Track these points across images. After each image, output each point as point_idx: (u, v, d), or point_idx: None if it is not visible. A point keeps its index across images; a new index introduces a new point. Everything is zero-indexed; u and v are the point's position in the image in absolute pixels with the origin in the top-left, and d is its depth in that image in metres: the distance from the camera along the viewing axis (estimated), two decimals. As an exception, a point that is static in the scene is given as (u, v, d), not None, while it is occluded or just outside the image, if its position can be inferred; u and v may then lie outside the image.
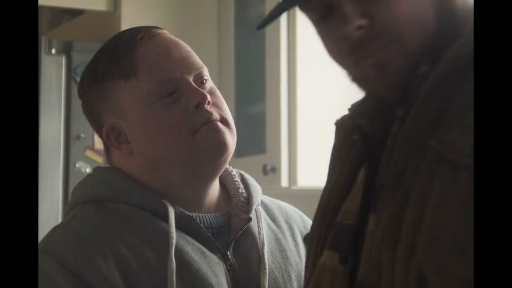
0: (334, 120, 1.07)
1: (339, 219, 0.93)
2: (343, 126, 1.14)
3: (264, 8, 3.42)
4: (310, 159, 3.27)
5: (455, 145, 0.79)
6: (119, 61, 1.47)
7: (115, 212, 1.43)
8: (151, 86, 1.44)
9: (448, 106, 0.82)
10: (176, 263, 1.38)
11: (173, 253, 1.38)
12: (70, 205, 1.50)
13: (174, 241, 1.40)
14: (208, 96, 1.45)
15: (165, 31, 1.52)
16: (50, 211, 3.34)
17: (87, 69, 1.52)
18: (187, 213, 1.44)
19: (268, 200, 1.61)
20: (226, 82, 3.59)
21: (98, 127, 1.51)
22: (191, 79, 1.46)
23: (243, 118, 3.51)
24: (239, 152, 3.53)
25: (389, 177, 0.88)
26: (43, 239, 1.45)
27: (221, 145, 1.44)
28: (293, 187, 3.25)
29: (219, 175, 1.50)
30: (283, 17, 3.31)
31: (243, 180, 1.56)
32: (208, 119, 1.44)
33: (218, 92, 1.51)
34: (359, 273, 0.88)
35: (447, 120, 0.82)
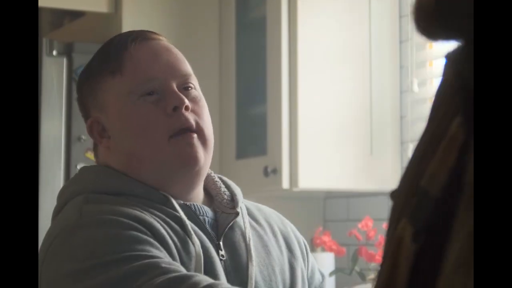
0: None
1: (423, 182, 0.74)
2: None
3: (265, 8, 3.42)
4: (311, 160, 3.27)
5: None
6: (109, 59, 1.53)
7: (125, 197, 1.47)
8: (133, 84, 1.49)
9: None
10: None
11: (192, 231, 1.43)
12: (63, 200, 1.52)
13: (188, 222, 1.45)
14: (187, 101, 1.49)
15: (161, 37, 1.57)
16: (51, 212, 3.34)
17: (85, 67, 1.61)
18: (182, 202, 1.50)
19: (246, 202, 1.66)
20: (227, 83, 3.59)
21: (86, 120, 1.59)
22: (174, 84, 1.51)
23: (244, 120, 3.51)
24: (239, 154, 3.53)
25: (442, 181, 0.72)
26: (64, 220, 1.45)
27: (193, 159, 1.49)
28: (294, 189, 3.25)
29: (194, 186, 1.54)
30: (284, 18, 3.31)
31: (223, 181, 1.62)
32: (184, 125, 1.48)
33: (202, 102, 1.55)
34: None
35: None
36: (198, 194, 1.55)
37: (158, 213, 1.45)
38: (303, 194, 3.47)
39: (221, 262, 1.47)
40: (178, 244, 1.42)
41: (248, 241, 1.51)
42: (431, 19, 0.75)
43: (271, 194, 3.32)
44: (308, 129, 3.27)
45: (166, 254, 1.37)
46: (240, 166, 3.41)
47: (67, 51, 3.51)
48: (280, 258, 1.56)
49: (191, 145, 1.49)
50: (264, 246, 1.55)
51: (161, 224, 1.42)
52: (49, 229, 1.48)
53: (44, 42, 3.46)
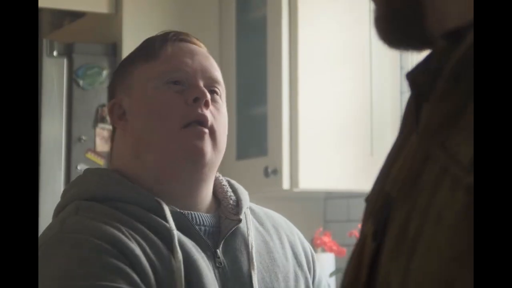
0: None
1: (387, 186, 0.79)
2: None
3: (265, 9, 3.42)
4: (312, 161, 3.27)
5: (458, 156, 0.69)
6: (147, 48, 1.57)
7: (115, 207, 1.47)
8: (162, 70, 1.52)
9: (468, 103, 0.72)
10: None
11: (177, 244, 1.42)
12: (64, 202, 1.53)
13: (175, 232, 1.44)
14: (208, 96, 1.51)
15: (202, 45, 1.61)
16: (51, 213, 3.34)
17: (121, 61, 1.65)
18: (178, 210, 1.48)
19: (255, 206, 1.66)
20: (228, 84, 3.57)
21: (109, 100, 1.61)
22: (201, 82, 1.53)
23: (244, 120, 3.51)
24: (240, 155, 3.53)
25: (400, 183, 0.78)
26: (49, 230, 1.47)
27: (199, 153, 1.48)
28: (295, 189, 3.25)
29: (197, 182, 1.52)
30: (285, 19, 3.31)
31: (231, 185, 1.61)
32: (200, 118, 1.49)
33: (223, 110, 1.56)
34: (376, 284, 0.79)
35: (462, 121, 0.71)
36: (204, 198, 1.54)
37: (142, 226, 1.44)
38: (303, 194, 3.47)
39: (217, 270, 1.46)
40: (156, 262, 1.40)
41: (250, 248, 1.50)
42: (387, 29, 0.81)
43: (272, 194, 3.32)
44: (309, 130, 3.27)
45: (136, 280, 1.36)
46: (241, 166, 3.41)
47: (68, 51, 3.51)
48: (285, 265, 1.55)
49: (200, 138, 1.48)
50: (269, 252, 1.54)
51: (140, 244, 1.41)
52: (46, 227, 1.49)
53: (44, 43, 3.47)
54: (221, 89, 1.57)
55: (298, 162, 3.24)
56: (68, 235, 1.42)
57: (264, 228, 1.59)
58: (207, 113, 1.50)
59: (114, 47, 3.61)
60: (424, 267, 0.69)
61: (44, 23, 4.23)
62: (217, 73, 1.58)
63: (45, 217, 3.26)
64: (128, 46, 3.56)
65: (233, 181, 1.62)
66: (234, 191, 1.59)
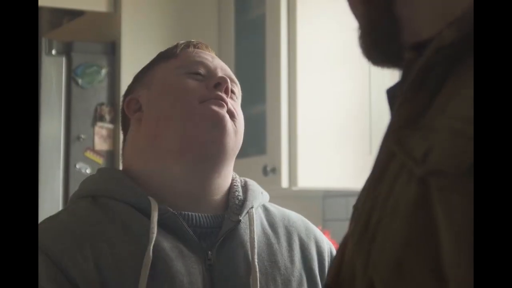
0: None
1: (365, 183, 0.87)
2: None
3: (264, 8, 3.42)
4: (311, 160, 3.27)
5: (413, 152, 0.75)
6: (168, 51, 1.60)
7: (104, 207, 1.47)
8: (184, 63, 1.55)
9: (430, 105, 0.77)
10: (152, 259, 1.40)
11: (151, 248, 1.41)
12: (70, 199, 1.57)
13: (154, 236, 1.42)
14: (229, 83, 1.54)
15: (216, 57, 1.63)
16: (50, 212, 3.33)
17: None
18: (172, 210, 1.46)
19: (272, 206, 1.63)
20: (226, 83, 3.59)
21: (123, 101, 1.61)
22: (221, 74, 1.56)
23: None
24: (239, 153, 3.53)
25: (370, 179, 0.85)
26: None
27: (220, 120, 1.49)
28: (294, 188, 3.25)
29: (219, 161, 1.51)
30: (284, 18, 3.32)
31: (245, 186, 1.59)
32: (219, 97, 1.51)
33: (239, 106, 1.58)
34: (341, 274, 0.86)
35: (420, 122, 0.78)
36: (212, 192, 1.52)
37: (116, 229, 1.44)
38: (302, 193, 3.48)
39: (207, 273, 1.43)
40: (115, 272, 1.39)
41: (251, 250, 1.48)
42: (369, 46, 0.90)
43: (270, 193, 3.31)
44: (307, 128, 3.28)
45: None
46: (239, 165, 3.40)
47: (66, 50, 3.51)
48: (288, 269, 1.52)
49: (219, 106, 1.51)
50: (271, 255, 1.51)
51: (99, 251, 1.41)
52: None
53: (43, 42, 3.47)
54: (237, 88, 1.60)
55: (296, 160, 3.24)
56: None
57: (273, 229, 1.56)
58: (226, 98, 1.52)
59: (113, 46, 3.61)
60: (380, 251, 0.76)
61: (43, 21, 4.22)
62: (234, 76, 1.61)
63: (45, 215, 3.27)
64: (127, 45, 3.56)
65: (250, 182, 1.61)
66: (245, 191, 1.57)
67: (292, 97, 3.28)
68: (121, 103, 1.63)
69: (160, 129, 1.50)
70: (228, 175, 1.55)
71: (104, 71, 3.54)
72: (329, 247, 1.62)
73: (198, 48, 1.61)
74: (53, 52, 3.48)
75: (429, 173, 0.72)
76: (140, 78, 1.61)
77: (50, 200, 3.39)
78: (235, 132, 1.52)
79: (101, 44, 3.61)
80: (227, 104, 1.51)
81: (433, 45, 0.78)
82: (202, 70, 1.55)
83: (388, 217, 0.77)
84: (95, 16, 3.78)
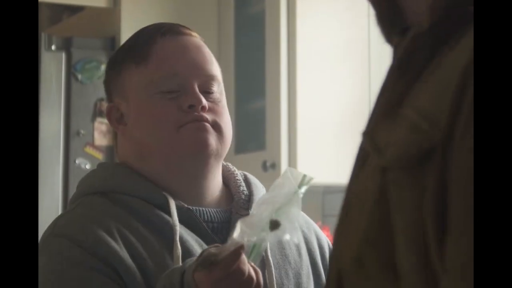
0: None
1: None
2: None
3: (264, 4, 3.42)
4: (310, 155, 3.27)
5: (378, 143, 0.75)
6: (136, 48, 1.53)
7: (119, 202, 1.46)
8: (156, 76, 1.48)
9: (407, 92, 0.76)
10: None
11: (178, 240, 1.41)
12: (74, 197, 1.54)
13: (178, 228, 1.42)
14: (204, 101, 1.47)
15: (193, 33, 1.56)
16: (50, 207, 3.34)
17: (114, 52, 1.62)
18: (186, 206, 1.46)
19: None
20: (226, 78, 3.58)
21: (107, 101, 1.59)
22: (196, 84, 1.49)
23: (242, 115, 3.51)
24: (238, 149, 3.53)
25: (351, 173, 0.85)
26: (49, 226, 1.47)
27: (201, 144, 1.46)
28: (293, 184, 3.25)
29: (204, 175, 1.51)
30: (283, 13, 3.31)
31: (246, 179, 1.59)
32: (196, 118, 1.46)
33: (223, 104, 1.53)
34: None
35: (392, 113, 0.76)
36: (212, 191, 1.52)
37: (139, 223, 1.43)
38: (301, 189, 3.47)
39: None
40: (148, 260, 1.40)
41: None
42: (389, 28, 0.84)
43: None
44: (307, 124, 3.27)
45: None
46: (239, 160, 3.41)
47: (66, 45, 3.51)
48: (297, 262, 1.52)
49: (201, 130, 1.46)
50: (281, 248, 1.52)
51: (129, 243, 1.40)
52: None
53: (43, 37, 3.47)
54: (217, 83, 1.53)
55: (296, 156, 3.24)
56: (54, 239, 1.42)
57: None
58: (205, 114, 1.47)
59: (112, 41, 3.60)
60: (344, 244, 0.76)
61: (42, 17, 4.22)
62: (211, 66, 1.53)
63: (44, 211, 3.27)
64: (127, 40, 3.57)
65: (250, 176, 1.60)
66: (248, 185, 1.57)
67: (291, 93, 3.28)
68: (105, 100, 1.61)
69: (144, 154, 1.49)
70: (219, 173, 1.55)
71: (103, 67, 3.54)
72: (327, 240, 1.63)
73: (169, 35, 1.52)
74: (53, 47, 3.48)
75: (385, 165, 0.72)
76: (113, 76, 1.55)
77: (50, 195, 3.39)
78: (221, 141, 1.50)
79: (100, 39, 3.61)
80: (207, 120, 1.47)
81: (411, 32, 0.77)
82: (174, 85, 1.48)
83: (354, 210, 0.77)
84: (95, 11, 3.77)
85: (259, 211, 1.35)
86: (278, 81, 3.29)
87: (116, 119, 1.53)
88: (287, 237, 1.35)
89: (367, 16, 3.33)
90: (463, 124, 0.66)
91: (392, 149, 0.72)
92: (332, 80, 3.34)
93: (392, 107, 0.75)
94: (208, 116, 1.48)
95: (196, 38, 1.56)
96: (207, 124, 1.47)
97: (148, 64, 1.49)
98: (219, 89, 1.53)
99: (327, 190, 3.67)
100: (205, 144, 1.46)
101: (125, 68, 1.52)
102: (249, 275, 1.30)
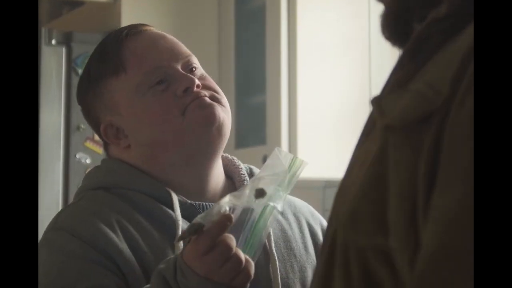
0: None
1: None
2: None
3: (264, -2, 3.42)
4: (311, 150, 3.27)
5: (384, 109, 0.79)
6: (108, 59, 1.51)
7: (122, 196, 1.47)
8: (139, 77, 1.48)
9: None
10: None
11: (180, 234, 1.41)
12: (78, 191, 1.54)
13: (181, 223, 1.43)
14: (197, 80, 1.48)
15: (151, 27, 1.56)
16: (51, 202, 3.34)
17: (82, 75, 1.58)
18: (189, 201, 1.47)
19: None
20: (226, 73, 3.59)
21: (96, 127, 1.55)
22: (179, 67, 1.50)
23: (243, 109, 3.51)
24: (239, 143, 3.53)
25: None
26: (51, 221, 1.48)
27: (210, 117, 1.46)
28: (294, 178, 3.25)
29: (217, 150, 1.51)
30: (284, 7, 3.31)
31: (252, 173, 1.58)
32: (196, 96, 1.47)
33: (209, 78, 1.53)
34: None
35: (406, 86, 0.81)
36: (215, 184, 1.52)
37: (141, 217, 1.44)
38: (302, 183, 3.46)
39: None
40: (149, 254, 1.40)
41: (267, 237, 1.47)
42: (391, 31, 0.90)
43: (270, 183, 3.32)
44: (308, 119, 3.27)
45: (115, 281, 1.36)
46: (240, 155, 3.39)
47: (66, 40, 3.51)
48: (303, 255, 1.52)
49: (205, 105, 1.46)
50: (286, 241, 1.52)
51: (130, 237, 1.41)
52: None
53: (43, 32, 3.46)
54: (195, 60, 1.53)
55: (297, 150, 3.24)
56: (55, 232, 1.43)
57: (283, 216, 1.56)
58: (202, 91, 1.48)
59: (113, 36, 3.60)
60: (343, 202, 0.80)
61: (43, 11, 4.22)
62: (183, 47, 1.54)
63: (45, 205, 3.27)
64: (127, 35, 3.56)
65: (256, 169, 1.60)
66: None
67: (292, 87, 3.28)
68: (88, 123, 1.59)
69: (158, 151, 1.48)
70: (220, 163, 1.55)
71: (104, 61, 3.54)
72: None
73: (130, 37, 1.51)
74: (53, 42, 3.48)
75: (385, 126, 0.76)
76: (95, 97, 1.53)
77: (50, 190, 3.39)
78: (224, 110, 1.50)
79: (101, 34, 3.60)
80: (205, 95, 1.48)
81: (429, 18, 0.80)
82: (161, 76, 1.48)
83: (354, 169, 0.81)
84: (95, 6, 3.77)
85: (248, 186, 1.35)
86: (279, 75, 3.29)
87: (114, 136, 1.52)
88: (271, 204, 1.35)
89: (367, 10, 3.32)
90: (462, 91, 0.69)
91: (396, 110, 0.75)
92: (332, 74, 3.34)
93: (401, 84, 0.79)
94: (204, 91, 1.48)
95: (155, 29, 1.56)
96: (207, 98, 1.47)
97: (128, 70, 1.49)
98: (199, 65, 1.54)
99: (328, 184, 3.67)
100: (213, 116, 1.46)
101: (104, 84, 1.51)
102: (236, 254, 1.28)
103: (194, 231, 1.27)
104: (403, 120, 0.74)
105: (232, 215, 1.30)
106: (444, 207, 0.66)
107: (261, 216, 1.35)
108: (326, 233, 0.85)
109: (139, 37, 1.52)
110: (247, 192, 1.33)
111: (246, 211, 1.35)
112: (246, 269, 1.29)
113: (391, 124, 0.75)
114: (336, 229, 0.79)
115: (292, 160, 1.42)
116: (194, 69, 1.52)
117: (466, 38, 0.73)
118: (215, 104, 1.48)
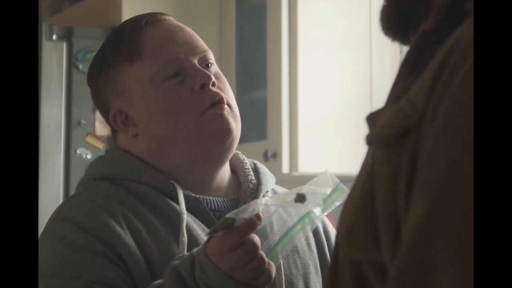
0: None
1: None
2: None
3: (265, -6, 3.41)
4: (311, 145, 3.27)
5: (375, 125, 0.80)
6: (124, 45, 1.50)
7: (126, 188, 1.46)
8: (155, 68, 1.47)
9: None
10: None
11: (184, 227, 1.41)
12: (81, 181, 1.54)
13: (185, 216, 1.42)
14: (213, 77, 1.47)
15: (170, 17, 1.55)
16: (51, 197, 3.34)
17: (95, 58, 1.56)
18: (193, 195, 1.47)
19: (280, 189, 1.63)
20: (227, 68, 3.59)
21: (105, 112, 1.54)
22: (195, 61, 1.49)
23: (244, 105, 3.51)
24: (240, 139, 3.53)
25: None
26: (55, 211, 1.47)
27: (226, 131, 1.46)
28: (294, 173, 3.25)
29: (225, 161, 1.51)
30: (285, 3, 3.31)
31: (256, 168, 1.58)
32: (214, 99, 1.46)
33: (223, 77, 1.53)
34: None
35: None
36: (220, 179, 1.52)
37: (145, 209, 1.43)
38: (303, 178, 3.46)
39: None
40: (153, 246, 1.39)
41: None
42: (388, 27, 0.93)
43: (271, 179, 3.32)
44: (308, 114, 3.27)
45: (114, 273, 1.36)
46: (240, 150, 3.40)
47: (67, 35, 3.50)
48: (306, 252, 1.53)
49: (222, 117, 1.46)
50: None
51: (135, 229, 1.40)
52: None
53: (44, 27, 3.46)
54: (212, 56, 1.53)
55: (297, 146, 3.24)
56: (59, 223, 1.43)
57: (286, 212, 1.57)
58: (217, 91, 1.47)
59: (113, 31, 3.60)
60: (343, 218, 0.83)
61: (43, 6, 4.22)
62: (201, 42, 1.53)
63: (45, 201, 3.27)
64: (128, 30, 3.56)
65: (260, 165, 1.60)
66: (257, 174, 1.56)
67: (293, 83, 3.28)
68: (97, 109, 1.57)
69: (164, 146, 1.47)
70: (228, 161, 1.55)
71: (104, 56, 3.54)
72: (332, 230, 1.64)
73: (149, 26, 1.51)
74: (54, 37, 3.47)
75: (371, 141, 0.79)
76: (106, 83, 1.52)
77: (51, 185, 3.39)
78: (236, 121, 1.50)
79: (102, 29, 3.60)
80: (223, 99, 1.47)
81: (420, 30, 0.81)
82: (177, 68, 1.47)
83: (355, 185, 0.83)
84: (96, 1, 3.77)
85: (289, 191, 1.35)
86: (279, 71, 3.29)
87: (122, 123, 1.51)
88: (314, 210, 1.35)
89: (368, 6, 3.32)
90: (432, 106, 0.70)
91: (377, 127, 0.78)
92: (333, 70, 3.33)
93: (398, 99, 0.79)
94: (221, 93, 1.47)
95: (174, 20, 1.56)
96: (226, 106, 1.47)
97: (144, 58, 1.48)
98: (214, 62, 1.54)
99: (328, 180, 3.67)
100: (229, 131, 1.47)
101: (118, 69, 1.50)
102: (261, 255, 1.28)
103: (227, 225, 1.26)
104: (383, 136, 0.76)
105: (262, 216, 1.29)
106: (410, 222, 0.67)
107: (300, 221, 1.35)
108: (335, 241, 0.86)
109: (158, 27, 1.51)
110: (287, 195, 1.33)
111: (281, 217, 1.35)
112: (268, 270, 1.29)
113: (373, 140, 0.78)
114: (338, 241, 0.82)
115: (337, 186, 1.43)
116: (210, 64, 1.51)
117: (441, 51, 0.73)
118: (230, 115, 1.47)
